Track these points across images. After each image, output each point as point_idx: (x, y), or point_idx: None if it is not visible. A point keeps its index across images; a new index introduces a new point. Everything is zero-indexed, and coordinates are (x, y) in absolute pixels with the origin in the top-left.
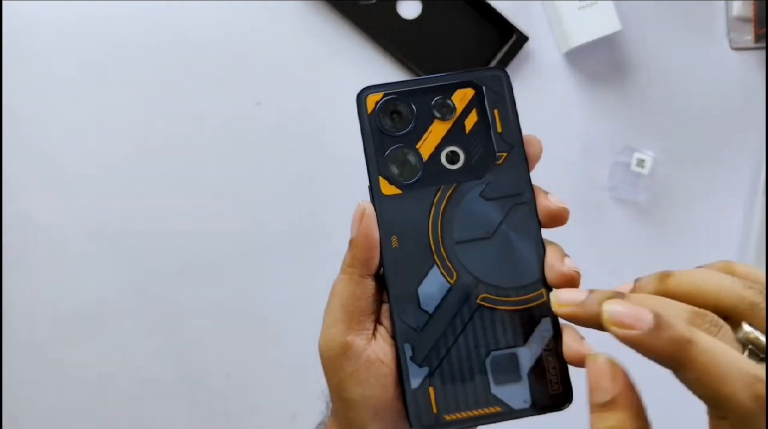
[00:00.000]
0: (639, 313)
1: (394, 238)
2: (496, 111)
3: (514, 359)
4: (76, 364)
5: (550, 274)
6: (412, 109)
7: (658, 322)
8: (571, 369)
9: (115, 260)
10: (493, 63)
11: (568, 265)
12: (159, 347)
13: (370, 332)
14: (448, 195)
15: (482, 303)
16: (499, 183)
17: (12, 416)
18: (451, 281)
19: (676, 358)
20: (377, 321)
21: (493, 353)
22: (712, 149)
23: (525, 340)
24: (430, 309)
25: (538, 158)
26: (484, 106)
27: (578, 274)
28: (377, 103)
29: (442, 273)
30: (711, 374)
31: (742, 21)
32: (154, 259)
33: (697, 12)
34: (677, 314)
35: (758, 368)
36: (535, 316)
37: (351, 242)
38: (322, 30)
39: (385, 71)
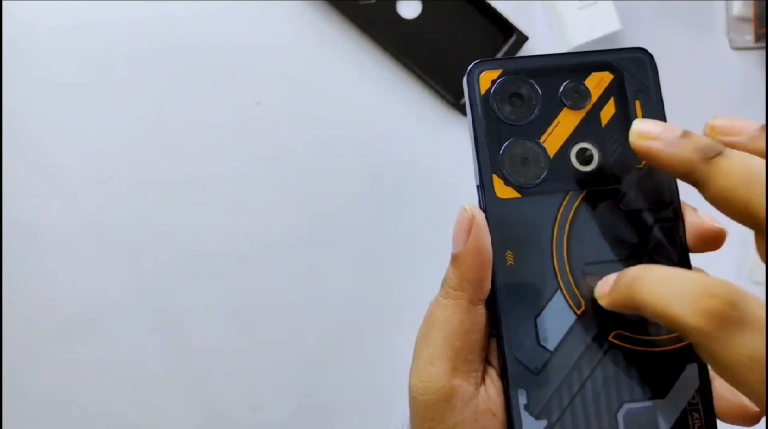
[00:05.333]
0: (669, 127)
1: (509, 254)
2: (638, 102)
3: (652, 414)
4: (76, 363)
5: None
6: (537, 92)
7: (686, 132)
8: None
9: (116, 260)
10: None
11: None
12: (159, 347)
13: (479, 375)
14: (577, 203)
15: (615, 341)
16: (641, 192)
17: (12, 416)
18: (578, 312)
19: (699, 170)
20: (486, 361)
21: (626, 406)
22: None
23: (666, 390)
24: (551, 346)
25: None
26: (625, 94)
27: None
28: (494, 82)
29: (567, 301)
30: (738, 186)
31: (742, 21)
32: (155, 259)
33: (697, 12)
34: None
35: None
36: (679, 360)
37: (457, 258)
38: (322, 30)
39: (386, 71)
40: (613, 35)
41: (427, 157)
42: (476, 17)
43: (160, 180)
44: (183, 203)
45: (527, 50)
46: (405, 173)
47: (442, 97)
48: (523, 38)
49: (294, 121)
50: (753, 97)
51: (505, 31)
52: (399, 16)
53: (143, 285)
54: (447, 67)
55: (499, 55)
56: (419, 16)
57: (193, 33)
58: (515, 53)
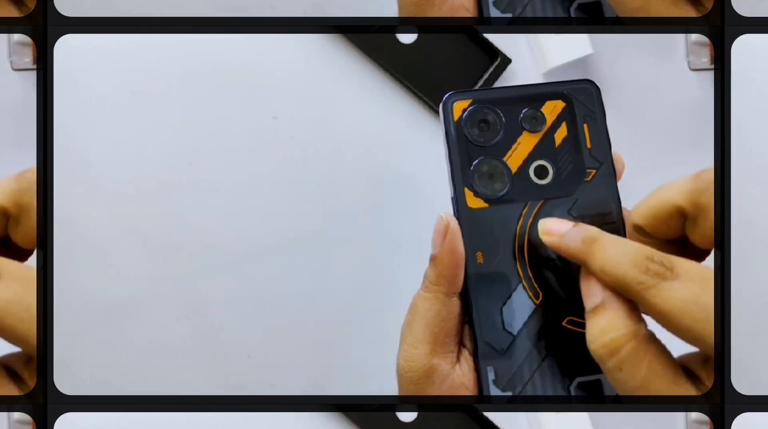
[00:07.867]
0: (563, 223)
1: (479, 254)
2: (585, 125)
3: (599, 386)
4: (115, 344)
5: None
6: (501, 118)
7: (576, 225)
8: None
9: (148, 256)
10: (479, 84)
11: None
12: (186, 332)
13: (455, 355)
14: (535, 211)
15: (568, 326)
16: (588, 201)
17: (66, 389)
18: (537, 302)
19: (583, 252)
20: (461, 343)
21: (577, 379)
22: (671, 163)
23: None
24: (515, 330)
25: (620, 177)
26: (575, 119)
27: None
28: (464, 110)
29: (527, 293)
30: (608, 260)
31: (699, 45)
32: (182, 255)
33: (660, 36)
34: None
35: (645, 247)
36: None
37: (434, 258)
38: (333, 55)
39: (386, 89)
40: (586, 58)
41: (427, 167)
42: (465, 42)
43: (187, 185)
44: (208, 205)
45: (511, 71)
46: (405, 180)
47: (437, 112)
48: (506, 61)
49: (307, 133)
50: (708, 113)
51: (491, 54)
52: (398, 41)
53: (172, 278)
54: (442, 87)
55: (485, 76)
56: (415, 42)
57: (219, 58)
58: (499, 74)
